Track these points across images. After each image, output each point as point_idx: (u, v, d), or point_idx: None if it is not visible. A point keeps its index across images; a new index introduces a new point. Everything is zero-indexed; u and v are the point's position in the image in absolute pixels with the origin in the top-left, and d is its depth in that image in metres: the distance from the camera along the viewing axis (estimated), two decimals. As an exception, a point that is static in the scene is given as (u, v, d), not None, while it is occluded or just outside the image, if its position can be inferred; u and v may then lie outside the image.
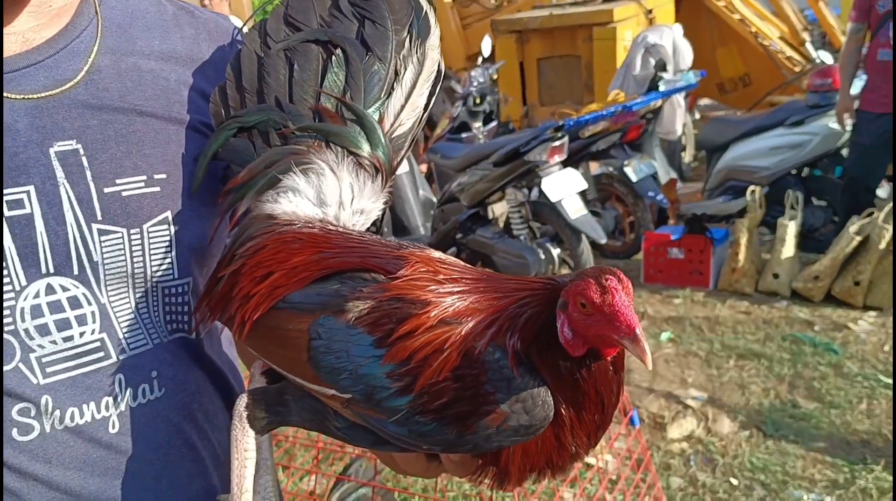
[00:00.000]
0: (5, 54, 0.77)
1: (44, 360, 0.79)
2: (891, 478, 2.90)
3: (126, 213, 0.82)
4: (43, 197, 0.77)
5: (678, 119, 6.54)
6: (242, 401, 0.80)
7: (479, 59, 7.14)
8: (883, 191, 5.25)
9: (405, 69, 0.86)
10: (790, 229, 4.63)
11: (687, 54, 6.84)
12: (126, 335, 0.84)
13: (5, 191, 0.76)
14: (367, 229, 0.87)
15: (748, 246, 4.71)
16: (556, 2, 8.69)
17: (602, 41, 7.37)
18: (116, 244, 0.82)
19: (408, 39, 0.86)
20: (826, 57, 8.00)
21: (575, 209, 4.49)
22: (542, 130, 4.58)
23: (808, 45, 8.37)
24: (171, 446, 0.89)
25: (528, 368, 0.68)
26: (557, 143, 4.46)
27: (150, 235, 0.84)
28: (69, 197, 0.79)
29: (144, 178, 0.83)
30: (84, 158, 0.79)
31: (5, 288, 0.77)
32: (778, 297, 4.64)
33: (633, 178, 5.30)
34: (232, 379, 0.99)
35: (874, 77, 4.65)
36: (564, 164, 4.64)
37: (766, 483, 2.96)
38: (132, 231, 0.83)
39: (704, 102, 9.23)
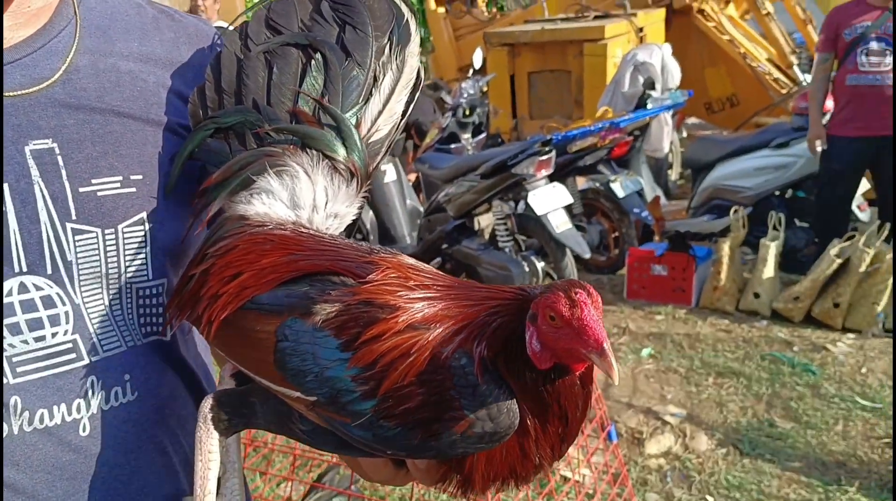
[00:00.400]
0: None
1: (14, 359, 0.78)
2: (865, 500, 2.93)
3: (101, 213, 0.81)
4: (17, 195, 0.77)
5: (665, 137, 6.59)
6: (207, 403, 0.79)
7: (471, 71, 7.18)
8: (865, 214, 5.31)
9: (384, 75, 0.86)
10: (772, 250, 4.67)
11: (675, 73, 6.92)
12: (99, 337, 0.83)
13: None
14: (353, 237, 0.87)
15: (730, 265, 4.74)
16: (548, 16, 8.77)
17: (592, 57, 7.43)
18: (91, 244, 0.81)
19: (388, 46, 0.86)
20: (813, 80, 8.11)
21: (560, 223, 4.51)
22: (531, 144, 4.61)
23: (796, 68, 8.50)
24: (141, 450, 0.87)
25: (494, 376, 0.67)
26: (545, 157, 4.49)
27: (125, 235, 0.83)
28: (43, 196, 0.78)
29: (120, 178, 0.83)
30: (59, 157, 0.79)
31: None
32: (758, 316, 4.67)
33: (620, 194, 5.33)
34: (206, 384, 0.98)
35: (845, 103, 4.71)
36: (551, 178, 4.67)
37: (741, 501, 2.97)
38: (107, 231, 0.82)
39: (692, 120, 9.32)
